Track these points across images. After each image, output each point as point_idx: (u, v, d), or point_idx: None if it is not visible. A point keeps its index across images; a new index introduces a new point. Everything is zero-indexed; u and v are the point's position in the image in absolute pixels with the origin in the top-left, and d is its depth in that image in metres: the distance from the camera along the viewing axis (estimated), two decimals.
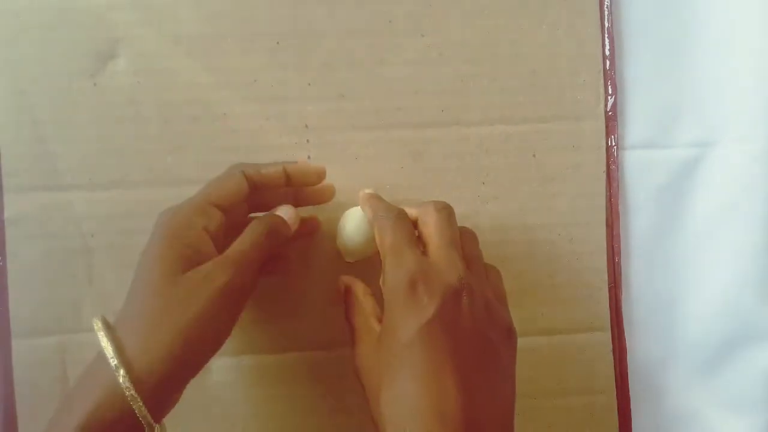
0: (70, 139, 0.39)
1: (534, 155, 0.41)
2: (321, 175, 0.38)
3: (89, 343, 0.39)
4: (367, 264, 0.40)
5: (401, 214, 0.33)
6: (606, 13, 0.41)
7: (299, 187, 0.38)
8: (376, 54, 0.40)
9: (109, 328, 0.30)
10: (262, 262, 0.33)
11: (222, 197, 0.33)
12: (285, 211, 0.36)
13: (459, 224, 0.34)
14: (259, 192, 0.35)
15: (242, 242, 0.32)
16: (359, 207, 0.38)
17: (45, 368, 0.39)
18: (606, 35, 0.41)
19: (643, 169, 0.42)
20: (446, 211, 0.33)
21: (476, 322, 0.30)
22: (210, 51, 0.40)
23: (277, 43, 0.40)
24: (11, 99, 0.39)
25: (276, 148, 0.40)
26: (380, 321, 0.31)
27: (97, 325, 0.29)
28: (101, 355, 0.29)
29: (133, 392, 0.27)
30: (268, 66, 0.40)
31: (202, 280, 0.30)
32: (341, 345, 0.40)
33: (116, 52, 0.39)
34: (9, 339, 0.39)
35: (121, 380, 0.27)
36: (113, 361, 0.28)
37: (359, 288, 0.35)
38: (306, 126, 0.40)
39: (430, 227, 0.32)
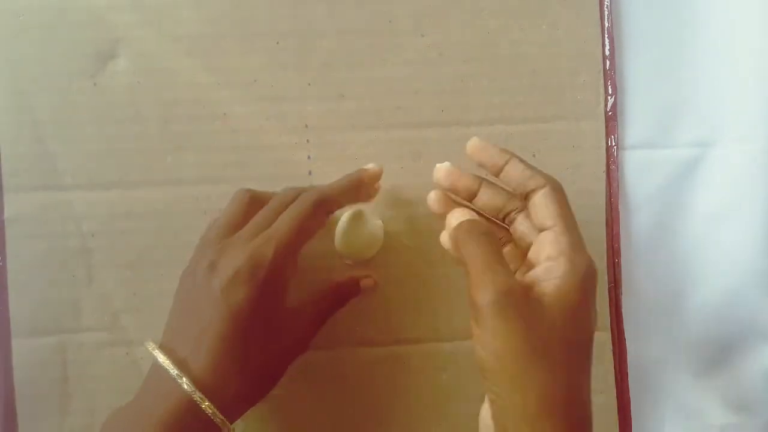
0: (70, 139, 0.39)
1: (534, 155, 0.41)
2: (378, 175, 0.38)
3: (89, 343, 0.40)
4: (368, 265, 0.40)
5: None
6: (606, 13, 0.41)
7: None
8: (376, 54, 0.40)
9: (170, 354, 0.30)
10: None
11: (306, 241, 0.33)
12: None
13: None
14: None
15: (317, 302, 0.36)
16: (357, 209, 0.37)
17: (45, 368, 0.39)
18: (606, 35, 0.41)
19: (643, 169, 0.42)
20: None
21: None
22: (210, 51, 0.40)
23: (277, 43, 0.40)
24: (11, 99, 0.39)
25: (276, 148, 0.40)
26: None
27: (161, 356, 0.30)
28: (162, 370, 0.30)
29: (215, 411, 0.30)
30: (267, 66, 0.40)
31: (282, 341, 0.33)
32: (341, 345, 0.40)
33: (116, 52, 0.39)
34: (9, 339, 0.39)
35: (197, 399, 0.29)
36: (188, 387, 0.29)
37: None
38: (306, 126, 0.40)
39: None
